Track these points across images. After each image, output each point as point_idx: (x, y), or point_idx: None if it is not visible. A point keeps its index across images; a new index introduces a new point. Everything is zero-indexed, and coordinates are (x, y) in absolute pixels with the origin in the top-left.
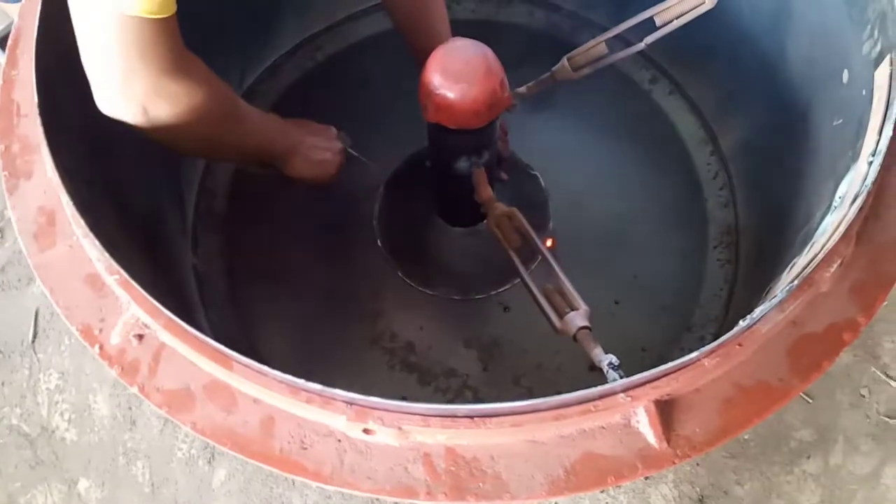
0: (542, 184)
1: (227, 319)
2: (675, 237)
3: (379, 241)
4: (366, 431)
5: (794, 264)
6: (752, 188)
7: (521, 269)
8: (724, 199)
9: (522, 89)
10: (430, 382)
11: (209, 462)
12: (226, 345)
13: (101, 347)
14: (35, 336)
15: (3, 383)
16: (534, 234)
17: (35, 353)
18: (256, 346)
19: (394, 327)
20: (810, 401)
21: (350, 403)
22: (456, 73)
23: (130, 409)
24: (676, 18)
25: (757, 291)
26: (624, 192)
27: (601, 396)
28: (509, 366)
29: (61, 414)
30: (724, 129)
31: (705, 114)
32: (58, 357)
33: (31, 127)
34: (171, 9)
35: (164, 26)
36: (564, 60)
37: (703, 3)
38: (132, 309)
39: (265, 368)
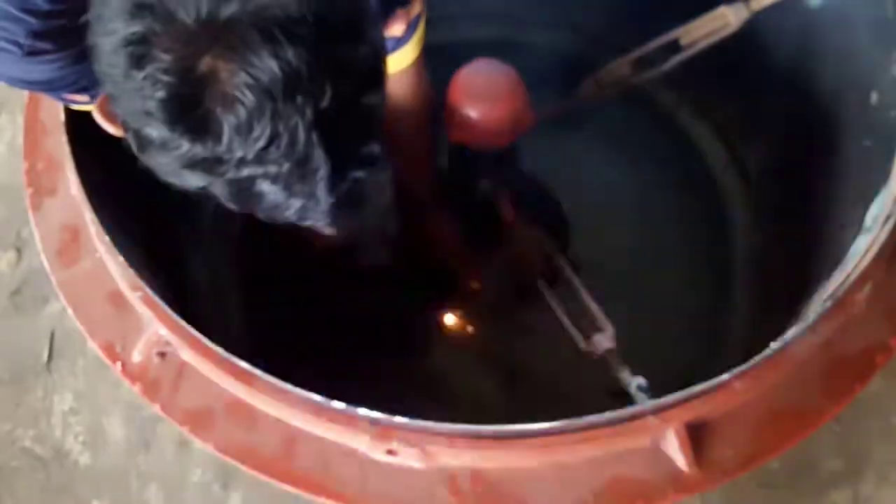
0: (563, 207)
1: (244, 348)
2: (701, 261)
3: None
4: (389, 452)
5: (824, 287)
6: (780, 211)
7: (547, 290)
8: (750, 223)
9: (545, 110)
10: (451, 408)
11: (224, 487)
12: None
13: (122, 365)
14: (50, 357)
15: (17, 405)
16: (559, 256)
17: (49, 375)
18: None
19: (413, 351)
20: (838, 429)
21: (374, 423)
22: (479, 93)
23: (144, 432)
24: (701, 40)
25: (785, 316)
26: (647, 215)
27: (630, 418)
28: (531, 390)
29: (75, 436)
30: (750, 152)
31: (730, 136)
32: (72, 378)
33: (56, 145)
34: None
35: None
36: (588, 82)
37: (728, 25)
38: (154, 326)
39: (288, 387)
